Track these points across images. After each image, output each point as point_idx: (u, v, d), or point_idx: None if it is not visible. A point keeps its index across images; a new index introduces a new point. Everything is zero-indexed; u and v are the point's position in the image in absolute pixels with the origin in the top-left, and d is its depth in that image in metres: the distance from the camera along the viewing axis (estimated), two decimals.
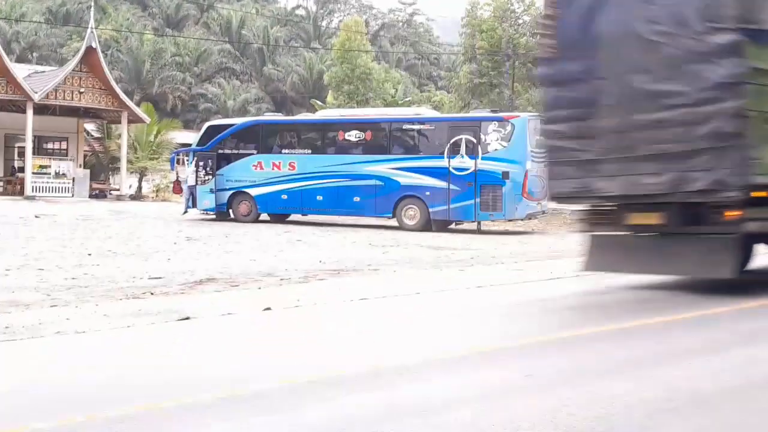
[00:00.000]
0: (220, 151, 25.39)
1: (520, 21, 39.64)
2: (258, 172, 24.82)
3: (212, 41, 68.14)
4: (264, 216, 25.44)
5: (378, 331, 8.36)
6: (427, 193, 22.67)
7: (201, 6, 77.91)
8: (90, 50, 34.75)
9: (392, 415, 5.15)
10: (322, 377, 6.07)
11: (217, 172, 25.19)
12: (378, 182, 23.30)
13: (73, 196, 34.63)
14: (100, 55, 35.65)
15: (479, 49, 38.79)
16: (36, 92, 33.08)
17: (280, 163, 24.65)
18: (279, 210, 25.26)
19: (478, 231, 23.19)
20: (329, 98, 45.79)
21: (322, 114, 27.57)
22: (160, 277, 12.02)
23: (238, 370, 6.48)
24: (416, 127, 23.89)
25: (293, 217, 25.76)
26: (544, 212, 24.59)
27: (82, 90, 34.79)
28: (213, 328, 8.49)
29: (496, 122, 22.19)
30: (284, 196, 24.49)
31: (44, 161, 36.35)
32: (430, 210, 22.71)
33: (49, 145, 38.97)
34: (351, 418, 5.09)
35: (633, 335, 7.93)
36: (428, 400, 5.48)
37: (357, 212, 24.36)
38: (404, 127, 24.09)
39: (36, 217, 23.64)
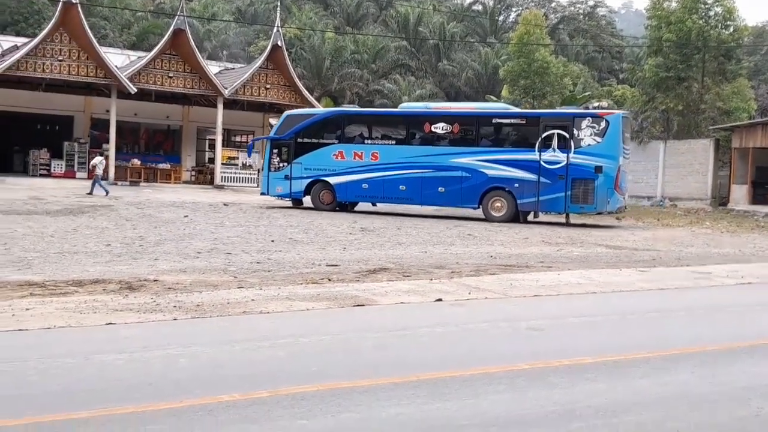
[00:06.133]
0: (299, 140, 25.79)
1: (711, 12, 37.36)
2: (338, 161, 25.08)
3: (390, 38, 69.43)
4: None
5: (551, 329, 8.18)
6: (516, 185, 22.96)
7: (380, 4, 79.64)
8: (276, 48, 36.45)
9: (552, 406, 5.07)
10: (487, 371, 6.05)
11: (295, 161, 25.66)
12: (464, 173, 23.51)
13: (257, 186, 36.56)
14: (285, 53, 37.33)
15: (666, 42, 36.95)
16: (226, 88, 35.17)
17: (362, 153, 24.90)
18: (358, 198, 25.58)
19: (567, 223, 23.40)
20: (504, 92, 45.30)
21: (405, 106, 28.08)
22: (336, 265, 12.44)
23: (415, 357, 6.59)
24: (508, 121, 23.96)
25: (383, 207, 25.96)
26: (625, 207, 24.59)
27: (267, 86, 36.64)
28: (386, 315, 8.68)
29: (590, 118, 22.37)
30: (365, 186, 24.76)
31: (232, 153, 38.66)
32: (518, 202, 23.08)
33: (237, 138, 41.41)
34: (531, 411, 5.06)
35: None
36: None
37: (440, 203, 24.56)
38: (494, 121, 24.11)
39: (225, 205, 25.17)
